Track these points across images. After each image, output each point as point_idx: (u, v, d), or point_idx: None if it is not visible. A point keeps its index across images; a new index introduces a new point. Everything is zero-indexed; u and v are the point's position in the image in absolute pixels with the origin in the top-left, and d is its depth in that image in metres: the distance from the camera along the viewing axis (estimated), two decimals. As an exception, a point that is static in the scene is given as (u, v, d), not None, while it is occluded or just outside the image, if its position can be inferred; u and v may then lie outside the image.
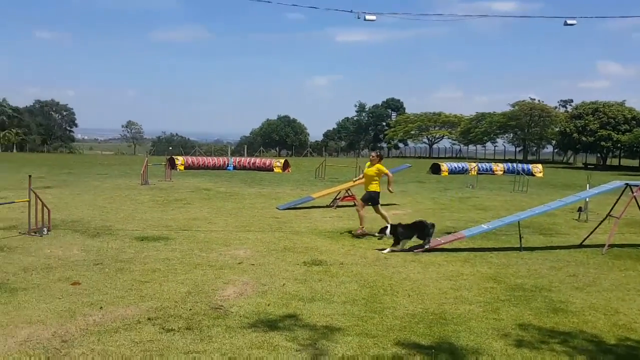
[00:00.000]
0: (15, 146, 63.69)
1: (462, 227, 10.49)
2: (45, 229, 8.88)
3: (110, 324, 4.89)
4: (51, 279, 6.29)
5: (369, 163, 9.91)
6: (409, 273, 7.01)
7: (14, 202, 10.34)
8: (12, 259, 7.22)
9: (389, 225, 8.47)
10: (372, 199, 9.65)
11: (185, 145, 73.78)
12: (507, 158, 64.24)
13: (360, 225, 9.63)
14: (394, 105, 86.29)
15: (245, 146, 68.19)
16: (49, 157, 39.77)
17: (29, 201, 8.93)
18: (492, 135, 70.42)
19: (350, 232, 9.92)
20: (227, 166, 29.47)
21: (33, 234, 8.79)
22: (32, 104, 77.00)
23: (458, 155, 72.59)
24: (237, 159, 32.29)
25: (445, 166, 30.76)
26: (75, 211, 11.63)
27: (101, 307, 5.33)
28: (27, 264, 6.97)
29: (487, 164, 34.06)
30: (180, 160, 28.83)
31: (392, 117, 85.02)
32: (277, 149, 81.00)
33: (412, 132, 77.19)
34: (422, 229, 8.51)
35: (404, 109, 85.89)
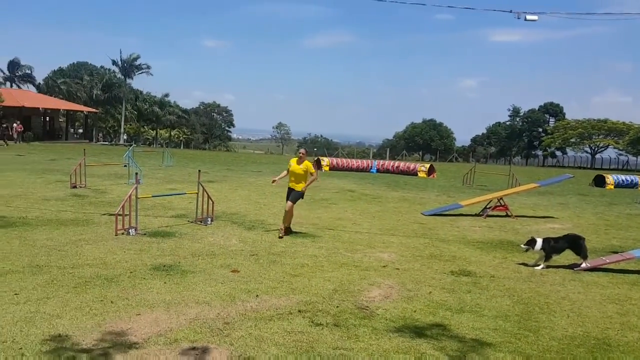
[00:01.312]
0: (182, 143, 71.09)
1: (630, 246, 9.40)
2: (209, 219, 9.78)
3: (265, 312, 5.22)
4: (215, 265, 6.91)
5: (295, 159, 9.32)
6: (568, 292, 6.45)
7: (185, 194, 11.54)
8: (182, 244, 8.07)
9: (538, 239, 7.85)
10: (299, 198, 9.28)
11: (328, 147, 75.99)
12: (687, 172, 55.94)
13: (286, 224, 9.23)
14: (553, 110, 79.92)
15: (388, 149, 68.18)
16: (210, 154, 43.73)
17: (197, 193, 9.91)
18: (667, 146, 61.80)
19: (502, 243, 9.41)
20: (371, 169, 29.73)
21: (199, 222, 9.73)
22: (197, 106, 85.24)
23: (625, 167, 64.95)
24: (381, 162, 32.41)
25: (610, 178, 27.68)
26: (234, 204, 12.61)
27: (257, 295, 5.71)
28: (194, 249, 7.74)
29: (662, 178, 29.95)
30: (325, 161, 29.76)
31: (550, 123, 78.87)
32: (421, 153, 79.76)
33: (572, 139, 70.75)
34: (575, 242, 7.83)
35: (564, 114, 79.13)
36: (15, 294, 5.37)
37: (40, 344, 4.23)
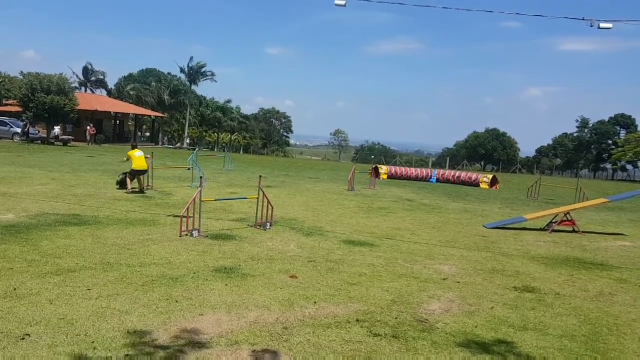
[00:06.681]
0: (242, 148, 72.73)
1: None
2: (268, 224, 9.95)
3: (323, 319, 5.25)
4: (273, 270, 7.02)
5: (137, 150, 14.27)
6: (641, 315, 6.10)
7: (246, 198, 11.79)
8: (242, 247, 8.26)
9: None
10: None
11: (386, 155, 75.41)
12: None
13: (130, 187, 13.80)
14: (624, 121, 75.92)
15: (448, 158, 66.89)
16: (268, 159, 44.45)
17: (257, 198, 10.11)
18: None
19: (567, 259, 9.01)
20: (430, 178, 29.27)
21: (258, 227, 9.92)
22: (257, 112, 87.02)
23: None
24: (441, 171, 31.83)
25: (688, 195, 25.91)
26: (292, 210, 12.77)
27: (315, 302, 5.76)
28: (254, 253, 7.90)
29: None
30: (383, 169, 29.56)
31: (621, 135, 74.92)
32: (482, 163, 77.73)
33: (645, 153, 66.87)
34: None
35: (636, 126, 75.01)
36: (88, 289, 5.68)
37: (110, 339, 4.45)
